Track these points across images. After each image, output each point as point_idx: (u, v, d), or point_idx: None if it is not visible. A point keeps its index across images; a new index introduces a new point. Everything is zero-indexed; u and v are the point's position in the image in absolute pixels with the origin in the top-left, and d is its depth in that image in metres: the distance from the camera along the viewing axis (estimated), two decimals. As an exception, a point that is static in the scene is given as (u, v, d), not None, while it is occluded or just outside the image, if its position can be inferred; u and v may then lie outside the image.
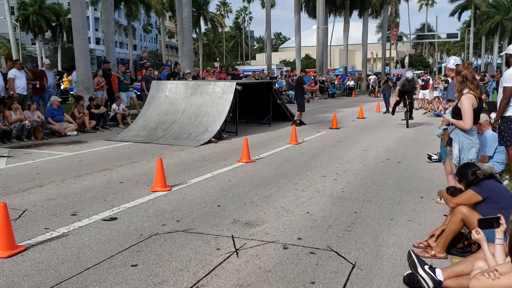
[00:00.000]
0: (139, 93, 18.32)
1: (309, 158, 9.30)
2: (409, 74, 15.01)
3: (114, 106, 14.95)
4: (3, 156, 9.44)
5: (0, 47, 54.11)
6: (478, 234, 3.00)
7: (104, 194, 6.39)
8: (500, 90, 6.47)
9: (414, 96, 15.22)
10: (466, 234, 4.11)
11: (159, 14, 56.07)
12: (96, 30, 72.96)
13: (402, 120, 14.72)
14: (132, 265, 4.00)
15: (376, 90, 34.18)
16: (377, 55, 59.75)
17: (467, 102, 4.79)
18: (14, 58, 30.94)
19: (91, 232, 4.87)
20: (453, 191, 4.25)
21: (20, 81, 13.06)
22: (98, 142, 11.49)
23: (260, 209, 5.64)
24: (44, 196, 6.30)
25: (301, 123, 15.10)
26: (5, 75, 13.38)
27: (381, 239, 4.60)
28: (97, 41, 73.63)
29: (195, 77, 19.48)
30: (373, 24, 61.35)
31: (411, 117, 14.74)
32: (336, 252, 4.25)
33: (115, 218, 5.32)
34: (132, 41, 62.97)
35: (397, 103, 15.87)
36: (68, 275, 3.80)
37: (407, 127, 13.99)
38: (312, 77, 32.25)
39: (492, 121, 6.75)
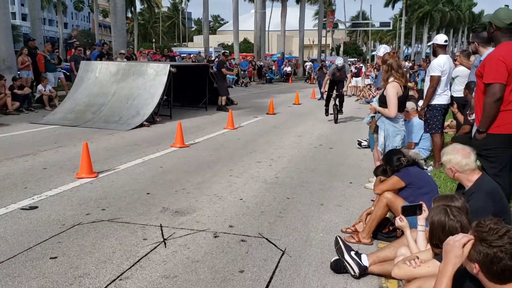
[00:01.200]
0: (68, 73, 17.41)
1: (245, 143, 9.25)
2: (339, 61, 12.44)
3: (40, 87, 14.08)
4: None
5: None
6: (401, 221, 3.07)
7: (24, 181, 5.99)
8: (427, 78, 6.71)
9: (344, 88, 12.66)
10: (391, 219, 4.22)
11: (91, -10, 53.46)
12: (22, 5, 68.50)
13: (330, 114, 12.71)
14: (51, 258, 3.75)
15: (312, 76, 34.76)
16: (313, 42, 60.69)
17: (392, 90, 4.90)
18: None
19: (7, 222, 4.53)
20: (384, 169, 4.30)
21: None
22: (21, 125, 10.78)
23: (192, 196, 5.51)
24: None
25: (224, 107, 14.52)
26: None
27: (311, 224, 4.64)
28: (23, 17, 69.15)
29: (129, 58, 18.78)
30: (310, 10, 62.13)
31: (340, 111, 12.74)
32: (266, 239, 4.23)
33: (36, 207, 4.99)
34: (63, 18, 59.75)
35: (329, 97, 12.93)
36: (-22, 270, 3.50)
37: (336, 122, 12.34)
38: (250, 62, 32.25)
39: (419, 108, 7.00)
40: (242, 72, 29.84)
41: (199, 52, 32.12)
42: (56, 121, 11.15)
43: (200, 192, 5.71)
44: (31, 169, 6.64)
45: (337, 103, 12.48)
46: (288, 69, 36.58)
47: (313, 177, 6.58)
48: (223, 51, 19.33)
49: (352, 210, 5.10)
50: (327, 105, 12.89)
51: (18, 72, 14.33)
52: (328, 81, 12.73)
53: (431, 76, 6.50)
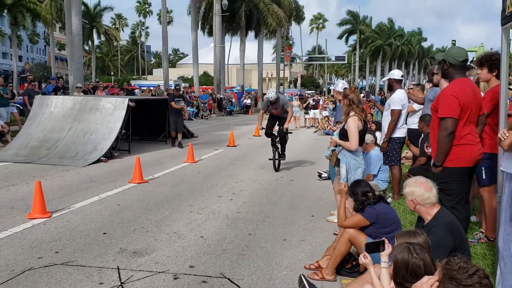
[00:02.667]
0: (21, 108, 16.86)
1: (206, 177, 9.14)
2: (270, 94, 9.63)
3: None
4: None
5: None
6: (365, 259, 3.06)
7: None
8: (386, 112, 6.87)
9: (285, 125, 9.79)
10: (354, 254, 4.21)
11: (48, 24, 52.68)
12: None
13: (269, 159, 10.21)
14: (-2, 309, 3.50)
15: (272, 108, 35.22)
16: (272, 75, 61.80)
17: (353, 124, 4.99)
18: None
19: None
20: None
21: None
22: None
23: (151, 235, 5.34)
24: None
25: (180, 144, 13.56)
26: None
27: (274, 261, 4.56)
28: (3, 56, 67.23)
29: (87, 92, 18.44)
30: (268, 45, 63.46)
31: (282, 156, 10.15)
32: (229, 279, 4.11)
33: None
34: (18, 51, 58.33)
35: (269, 136, 10.12)
36: None
37: (276, 170, 9.81)
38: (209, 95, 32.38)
39: (378, 140, 7.15)
40: (202, 105, 29.86)
41: (159, 85, 31.97)
42: (8, 158, 10.69)
43: (159, 230, 5.54)
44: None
45: (278, 145, 10.03)
46: (248, 101, 36.94)
47: (275, 211, 6.54)
48: (175, 83, 18.82)
49: (315, 245, 5.06)
50: (271, 138, 10.07)
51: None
52: (263, 116, 10.50)
53: (392, 110, 6.66)
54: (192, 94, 30.25)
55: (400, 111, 6.64)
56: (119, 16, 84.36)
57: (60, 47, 77.23)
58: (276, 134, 10.03)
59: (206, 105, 30.44)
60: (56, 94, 15.45)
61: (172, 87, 35.49)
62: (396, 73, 6.92)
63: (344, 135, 5.08)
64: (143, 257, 4.62)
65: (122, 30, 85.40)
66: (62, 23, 51.54)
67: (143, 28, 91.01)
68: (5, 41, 69.03)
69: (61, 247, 4.88)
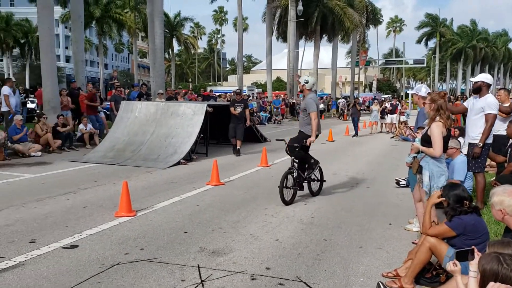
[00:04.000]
0: (108, 113, 18.00)
1: (278, 181, 9.20)
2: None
3: (81, 126, 14.60)
4: (-40, 178, 9.02)
5: (-35, 63, 52.65)
6: (455, 266, 2.95)
7: (66, 220, 6.13)
8: (475, 116, 6.51)
9: (309, 141, 7.30)
10: (435, 264, 4.08)
11: (131, 33, 55.78)
12: (67, 48, 71.89)
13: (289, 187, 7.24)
14: (91, 298, 3.79)
15: (345, 113, 34.71)
16: (346, 79, 60.90)
17: (437, 129, 4.82)
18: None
19: (49, 261, 4.62)
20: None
21: (12, 99, 13.54)
22: (63, 163, 11.14)
23: (228, 236, 5.50)
24: (2, 221, 6.00)
25: (238, 151, 12.96)
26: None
27: (351, 268, 4.53)
28: (67, 59, 72.50)
29: (169, 98, 19.33)
30: (343, 49, 62.67)
31: (298, 186, 7.39)
32: (305, 283, 4.15)
33: (76, 246, 5.08)
34: (104, 60, 62.33)
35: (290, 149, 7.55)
36: (21, 309, 3.56)
37: (287, 202, 7.03)
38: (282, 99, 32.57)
39: (462, 146, 6.84)
40: (275, 110, 30.11)
41: (233, 91, 32.70)
42: (96, 160, 11.47)
43: (236, 231, 5.70)
44: (72, 208, 6.80)
45: (295, 165, 7.41)
46: (321, 106, 36.69)
47: (351, 217, 6.47)
48: (235, 88, 18.32)
49: (393, 253, 4.96)
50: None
51: (62, 113, 14.91)
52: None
53: (488, 114, 6.34)
54: (265, 99, 30.61)
55: (495, 115, 6.37)
56: (197, 25, 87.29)
57: (142, 55, 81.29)
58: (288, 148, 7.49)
59: (279, 110, 30.65)
60: (140, 100, 16.32)
61: (246, 93, 36.19)
62: (489, 78, 6.70)
63: (426, 141, 4.92)
64: (221, 256, 4.78)
65: (200, 38, 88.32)
66: (145, 32, 54.30)
67: (219, 36, 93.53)
68: (93, 50, 73.93)
69: (146, 244, 5.17)
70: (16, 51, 58.99)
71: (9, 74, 51.63)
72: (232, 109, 12.89)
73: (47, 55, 15.18)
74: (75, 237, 5.40)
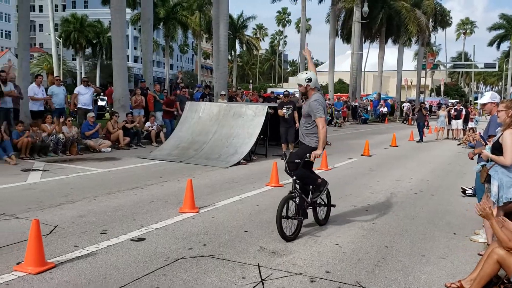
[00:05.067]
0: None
1: (339, 186, 9.15)
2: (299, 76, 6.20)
3: (148, 124, 15.21)
4: (39, 170, 9.70)
5: (43, 61, 56.29)
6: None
7: (133, 213, 6.45)
8: None
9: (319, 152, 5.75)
10: (503, 277, 3.92)
11: (196, 35, 57.30)
12: (135, 48, 75.03)
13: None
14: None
15: (410, 117, 33.71)
16: (411, 82, 59.06)
17: (510, 137, 4.62)
18: (55, 73, 32.14)
19: (119, 252, 4.89)
20: None
21: (83, 97, 14.31)
22: (131, 160, 11.67)
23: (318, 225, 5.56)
24: (76, 212, 6.40)
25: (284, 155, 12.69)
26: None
27: (412, 276, 4.44)
28: (135, 59, 75.63)
29: (231, 98, 19.69)
30: (409, 51, 60.86)
31: (301, 214, 5.67)
32: (364, 288, 4.13)
33: (143, 239, 5.34)
34: (169, 60, 64.46)
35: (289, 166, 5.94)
36: (94, 295, 3.81)
37: (287, 238, 5.41)
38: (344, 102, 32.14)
39: None
40: (336, 112, 29.79)
41: (294, 93, 32.68)
42: (162, 157, 11.92)
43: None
44: (139, 202, 7.14)
45: (296, 189, 5.76)
46: (385, 109, 35.85)
47: (414, 225, 6.32)
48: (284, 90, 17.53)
49: (457, 264, 4.81)
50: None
51: (135, 111, 15.62)
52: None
53: None
54: (326, 101, 30.34)
55: None
56: (260, 27, 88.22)
57: (206, 56, 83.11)
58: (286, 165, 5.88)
59: (340, 112, 30.28)
60: (203, 100, 16.76)
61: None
62: None
63: (497, 149, 4.72)
64: (281, 257, 4.85)
65: (262, 39, 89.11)
66: (209, 34, 55.56)
67: (281, 37, 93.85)
68: (159, 51, 76.59)
69: (208, 240, 5.34)
70: (88, 51, 62.32)
71: (81, 73, 54.62)
72: (279, 110, 12.44)
73: (118, 56, 15.95)
74: (142, 230, 5.67)
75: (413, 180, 9.93)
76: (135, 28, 65.37)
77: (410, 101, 42.97)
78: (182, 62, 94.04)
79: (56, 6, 69.18)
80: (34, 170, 9.69)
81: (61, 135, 11.90)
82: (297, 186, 5.69)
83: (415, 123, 22.84)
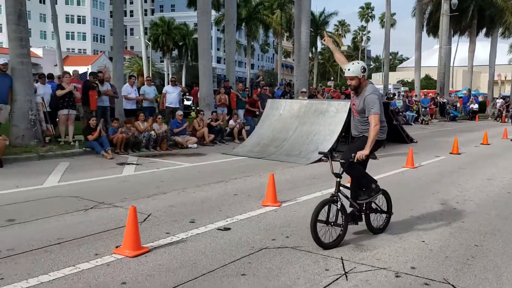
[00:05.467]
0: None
1: (426, 183, 8.86)
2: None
3: (231, 122, 15.68)
4: (133, 164, 10.40)
5: (133, 64, 59.82)
6: None
7: (219, 205, 6.73)
8: None
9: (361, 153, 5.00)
10: None
11: (277, 33, 57.76)
12: (218, 49, 77.22)
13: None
14: (242, 274, 4.16)
15: (504, 114, 31.49)
16: (505, 77, 55.07)
17: None
18: (145, 75, 34.02)
19: (206, 239, 5.16)
20: None
21: (170, 96, 15.22)
22: (215, 155, 12.12)
23: (371, 233, 5.51)
24: (167, 202, 6.82)
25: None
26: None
27: (505, 277, 4.23)
28: (218, 60, 77.80)
29: (311, 96, 19.70)
30: (503, 44, 56.72)
31: (349, 219, 5.18)
32: (453, 285, 4.00)
33: (229, 229, 5.57)
34: (250, 60, 65.61)
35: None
36: (185, 279, 4.06)
37: (324, 246, 4.91)
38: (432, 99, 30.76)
39: None
40: (423, 109, 28.60)
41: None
42: (244, 153, 12.25)
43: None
44: (224, 195, 7.43)
45: (339, 192, 5.13)
46: (475, 106, 33.79)
47: (507, 225, 5.97)
48: (394, 87, 17.48)
49: (557, 267, 4.49)
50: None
51: (219, 109, 16.20)
52: None
53: None
54: (412, 98, 29.24)
55: None
56: (342, 23, 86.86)
57: (286, 54, 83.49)
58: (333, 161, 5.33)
59: (427, 109, 29.03)
60: (284, 98, 16.93)
61: (391, 91, 34.99)
62: None
63: None
64: (364, 252, 4.84)
65: (344, 36, 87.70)
66: (289, 32, 55.78)
67: (364, 33, 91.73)
68: (241, 51, 78.22)
69: (290, 233, 5.45)
70: (174, 53, 65.22)
71: (168, 74, 57.28)
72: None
73: (204, 58, 16.60)
74: (228, 220, 5.92)
75: (506, 180, 9.34)
76: (218, 30, 67.39)
77: (504, 97, 40.09)
78: (262, 61, 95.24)
79: (146, 10, 73.16)
80: (128, 163, 10.40)
81: (152, 132, 12.64)
82: (342, 190, 5.16)
83: (510, 120, 21.33)
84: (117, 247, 4.75)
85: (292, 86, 21.34)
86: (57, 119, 12.55)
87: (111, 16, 61.91)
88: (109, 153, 11.17)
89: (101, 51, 75.90)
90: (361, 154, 4.99)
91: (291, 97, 18.11)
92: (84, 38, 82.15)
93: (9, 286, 3.83)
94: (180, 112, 14.40)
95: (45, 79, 13.32)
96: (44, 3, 71.96)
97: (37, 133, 11.60)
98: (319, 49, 71.79)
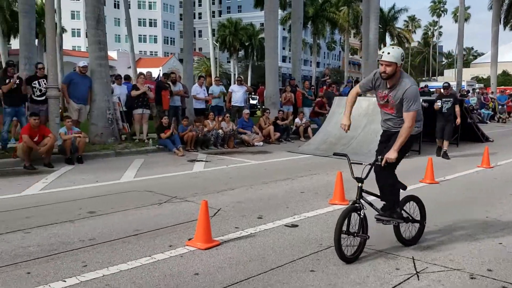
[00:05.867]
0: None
1: (504, 184, 8.41)
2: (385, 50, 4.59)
3: (297, 120, 15.69)
4: (202, 161, 10.72)
5: (201, 65, 61.40)
6: None
7: (286, 202, 6.80)
8: None
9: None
10: None
11: (343, 30, 56.91)
12: (283, 48, 77.28)
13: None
14: (311, 271, 4.19)
15: None
16: None
17: None
18: (213, 75, 34.83)
19: (274, 235, 5.24)
20: None
21: (236, 95, 15.53)
22: (281, 153, 12.20)
23: (444, 233, 5.34)
24: (235, 198, 6.98)
25: (445, 154, 11.65)
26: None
27: None
28: (283, 59, 77.92)
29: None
30: None
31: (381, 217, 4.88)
32: (534, 290, 3.80)
33: (296, 225, 5.62)
34: (316, 58, 65.15)
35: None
36: (255, 272, 4.16)
37: (346, 258, 4.42)
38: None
39: None
40: (499, 107, 27.01)
41: (451, 86, 30.50)
42: (310, 151, 12.22)
43: (451, 229, 5.48)
44: (290, 192, 7.48)
45: (363, 201, 4.77)
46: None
47: None
48: (467, 83, 16.53)
49: None
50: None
51: (284, 108, 16.27)
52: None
53: None
54: (487, 95, 27.69)
55: None
56: (411, 18, 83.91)
57: (352, 52, 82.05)
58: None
59: (505, 107, 27.36)
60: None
61: (465, 88, 33.35)
62: None
63: None
64: (437, 252, 4.70)
65: (414, 32, 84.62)
66: (356, 29, 54.78)
67: (435, 28, 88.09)
68: (306, 50, 77.81)
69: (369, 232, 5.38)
70: (240, 53, 66.15)
71: (234, 74, 58.23)
72: (435, 104, 11.81)
73: (271, 56, 16.74)
74: (295, 217, 5.97)
75: None
76: (284, 29, 67.47)
77: None
78: (328, 59, 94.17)
79: (213, 12, 74.80)
80: (198, 160, 10.74)
81: (220, 131, 12.96)
82: (364, 196, 4.67)
83: None
84: (189, 239, 4.95)
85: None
86: (132, 118, 13.18)
87: (180, 19, 63.96)
88: (180, 150, 11.58)
89: (171, 53, 78.55)
90: (387, 157, 4.48)
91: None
92: (155, 41, 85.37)
93: (91, 273, 4.11)
94: (247, 111, 14.64)
95: (121, 80, 14.04)
96: (118, 7, 75.64)
97: (114, 131, 12.27)
98: (388, 45, 69.81)
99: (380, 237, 5.14)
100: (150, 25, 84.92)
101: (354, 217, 4.47)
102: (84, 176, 8.65)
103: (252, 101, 26.45)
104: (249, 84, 48.32)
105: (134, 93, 12.73)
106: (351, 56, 77.50)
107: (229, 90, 16.29)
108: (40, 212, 6.09)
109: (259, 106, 23.84)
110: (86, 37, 13.27)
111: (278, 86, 17.49)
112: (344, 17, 51.63)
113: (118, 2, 74.16)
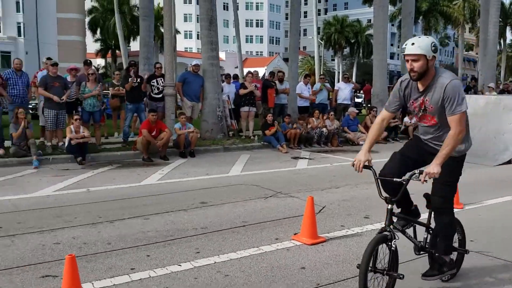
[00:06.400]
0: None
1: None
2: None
3: (406, 119, 15.07)
4: (306, 158, 10.77)
5: (305, 63, 61.47)
6: None
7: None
8: None
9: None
10: None
11: (458, 26, 53.35)
12: (392, 45, 74.55)
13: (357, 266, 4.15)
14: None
15: None
16: None
17: None
18: (317, 73, 34.77)
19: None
20: None
21: (342, 92, 15.42)
22: (388, 153, 11.45)
23: None
24: (340, 196, 6.93)
25: None
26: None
27: None
28: (391, 56, 75.09)
29: (502, 92, 17.85)
30: None
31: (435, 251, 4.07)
32: None
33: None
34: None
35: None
36: (362, 270, 4.09)
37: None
38: None
39: None
40: None
41: None
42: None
43: None
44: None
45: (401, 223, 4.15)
46: None
47: None
48: None
49: None
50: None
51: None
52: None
53: None
54: None
55: None
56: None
57: (468, 48, 76.70)
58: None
59: None
60: (467, 93, 15.64)
61: None
62: None
63: None
64: None
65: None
66: (472, 23, 51.11)
67: None
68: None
69: (474, 236, 5.06)
70: (346, 50, 65.07)
71: (339, 72, 57.43)
72: None
73: (379, 52, 16.28)
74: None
75: None
76: (392, 25, 65.07)
77: None
78: (441, 55, 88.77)
79: (319, 10, 74.41)
80: (302, 158, 10.81)
81: (324, 129, 12.90)
82: (400, 221, 3.90)
83: None
84: (295, 234, 5.02)
85: (476, 81, 19.53)
86: (239, 115, 13.65)
87: (286, 19, 64.61)
88: (284, 147, 11.74)
89: (276, 53, 79.67)
90: (428, 172, 3.38)
91: (476, 93, 16.61)
92: (261, 41, 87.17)
93: (204, 259, 4.36)
94: (353, 109, 14.39)
95: (230, 79, 14.59)
96: (227, 9, 78.41)
97: (223, 127, 12.82)
98: (508, 41, 64.09)
99: (498, 243, 4.78)
100: (257, 25, 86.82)
101: (383, 250, 3.53)
102: (196, 169, 9.15)
103: (357, 99, 25.96)
104: (354, 81, 47.38)
105: (242, 91, 13.15)
106: (465, 52, 72.41)
107: (335, 87, 16.14)
108: (157, 201, 6.58)
109: (364, 104, 23.30)
110: (198, 38, 14.00)
111: (386, 83, 16.94)
112: (459, 11, 48.37)
113: (227, 4, 76.82)
